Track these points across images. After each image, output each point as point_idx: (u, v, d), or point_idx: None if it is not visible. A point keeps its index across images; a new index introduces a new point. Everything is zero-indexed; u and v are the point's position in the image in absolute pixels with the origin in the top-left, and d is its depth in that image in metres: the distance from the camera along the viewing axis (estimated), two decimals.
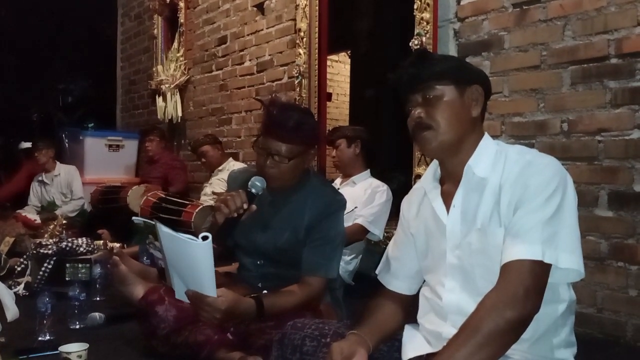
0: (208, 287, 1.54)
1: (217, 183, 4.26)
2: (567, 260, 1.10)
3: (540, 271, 1.09)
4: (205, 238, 1.43)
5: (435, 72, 1.24)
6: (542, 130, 2.53)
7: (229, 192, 1.78)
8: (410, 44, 2.97)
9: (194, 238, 1.46)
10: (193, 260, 1.51)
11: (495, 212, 1.17)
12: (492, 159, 1.22)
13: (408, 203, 1.42)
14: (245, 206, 1.66)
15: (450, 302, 1.22)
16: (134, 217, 1.63)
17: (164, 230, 1.55)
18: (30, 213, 4.72)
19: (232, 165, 4.32)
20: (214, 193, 4.21)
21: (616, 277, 2.28)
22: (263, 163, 1.80)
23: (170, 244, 1.56)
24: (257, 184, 1.73)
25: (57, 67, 9.71)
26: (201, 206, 3.97)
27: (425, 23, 2.90)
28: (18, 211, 4.77)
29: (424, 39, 2.89)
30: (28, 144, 5.51)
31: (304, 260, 1.83)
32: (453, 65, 1.27)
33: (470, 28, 2.85)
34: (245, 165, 4.13)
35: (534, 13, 2.57)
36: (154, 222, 1.57)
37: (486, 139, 1.26)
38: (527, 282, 1.07)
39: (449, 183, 1.29)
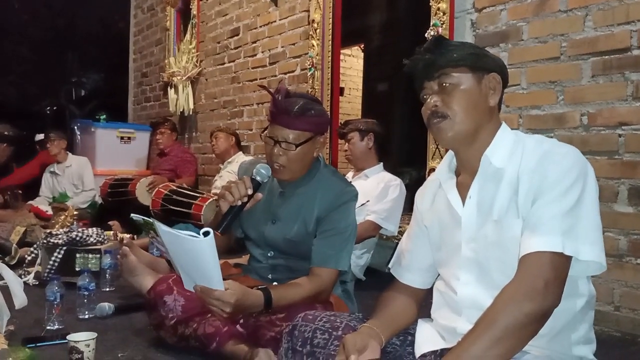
0: (215, 281, 1.51)
1: (228, 175, 4.26)
2: (588, 253, 1.06)
3: (560, 263, 1.05)
4: (206, 233, 1.39)
5: (452, 59, 1.20)
6: (561, 124, 2.48)
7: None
8: (426, 35, 2.92)
9: (195, 234, 1.42)
10: (197, 257, 1.47)
11: (512, 203, 1.13)
12: (509, 149, 1.18)
13: (422, 195, 1.39)
14: (249, 192, 1.63)
15: (466, 295, 1.18)
16: (132, 215, 1.59)
17: (163, 229, 1.50)
18: (41, 204, 4.74)
19: (242, 158, 4.31)
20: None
21: (635, 274, 2.23)
22: (271, 151, 1.78)
23: (171, 242, 1.52)
24: (262, 171, 1.70)
25: (70, 59, 9.78)
26: (211, 199, 3.97)
27: (441, 13, 2.86)
28: (29, 202, 4.79)
29: (440, 29, 2.85)
30: (42, 136, 5.55)
31: (313, 252, 1.80)
32: (470, 52, 1.22)
33: (487, 18, 2.80)
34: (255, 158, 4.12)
35: (554, 3, 2.52)
36: (152, 221, 1.52)
37: (503, 129, 1.23)
38: (547, 275, 1.03)
39: (465, 174, 1.25)
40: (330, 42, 3.86)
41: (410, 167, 3.75)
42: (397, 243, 1.45)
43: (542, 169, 1.11)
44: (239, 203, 1.62)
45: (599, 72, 2.36)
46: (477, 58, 1.22)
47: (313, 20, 3.94)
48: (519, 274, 1.06)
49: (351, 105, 6.00)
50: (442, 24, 2.86)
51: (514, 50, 2.67)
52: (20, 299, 1.83)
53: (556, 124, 2.50)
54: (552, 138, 1.22)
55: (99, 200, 5.06)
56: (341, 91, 4.81)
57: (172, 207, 4.05)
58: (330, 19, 3.85)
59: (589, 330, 1.18)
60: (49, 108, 9.62)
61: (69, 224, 3.54)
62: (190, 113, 5.62)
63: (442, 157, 2.72)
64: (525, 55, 2.63)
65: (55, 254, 2.88)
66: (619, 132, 2.28)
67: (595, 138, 2.35)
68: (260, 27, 4.65)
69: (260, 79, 4.67)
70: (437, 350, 1.19)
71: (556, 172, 1.10)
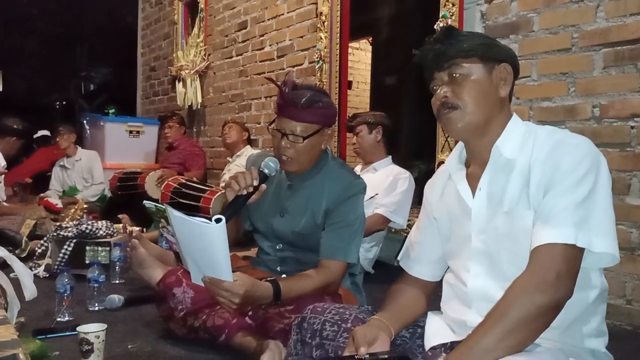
0: (224, 271, 1.50)
1: (236, 169, 4.26)
2: (601, 244, 1.05)
3: (572, 255, 1.04)
4: (218, 220, 1.38)
5: (463, 49, 1.18)
6: (572, 115, 2.45)
7: None
8: (435, 26, 2.90)
9: (207, 221, 1.40)
10: (207, 244, 1.46)
11: (523, 194, 1.12)
12: (520, 140, 1.17)
13: (431, 186, 1.38)
14: (255, 182, 1.62)
15: (476, 287, 1.17)
16: (145, 202, 1.57)
17: (175, 214, 1.49)
18: (52, 197, 4.77)
19: (250, 152, 4.31)
20: None
21: None
22: (278, 144, 1.77)
23: (183, 229, 1.51)
24: (270, 164, 1.70)
25: (79, 54, 9.81)
26: (220, 192, 3.97)
27: (450, 5, 2.83)
28: (40, 195, 4.82)
29: (449, 21, 2.82)
30: (41, 132, 5.61)
31: (322, 244, 1.79)
32: (481, 42, 1.20)
33: (497, 10, 2.77)
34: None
35: None
36: (164, 207, 1.50)
37: (515, 120, 1.21)
38: (559, 266, 1.02)
39: (475, 165, 1.24)
40: (338, 35, 3.84)
41: (419, 160, 3.73)
42: (406, 236, 1.44)
43: (554, 159, 1.09)
44: (245, 192, 1.61)
45: (610, 64, 2.33)
46: (487, 48, 1.20)
47: (321, 13, 3.92)
48: (531, 265, 1.05)
49: (359, 98, 5.97)
50: (452, 15, 2.83)
51: (525, 42, 2.65)
52: (30, 291, 1.83)
53: (567, 116, 2.47)
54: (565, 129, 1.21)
55: (108, 193, 5.08)
56: (349, 84, 4.79)
57: (181, 200, 4.05)
58: (339, 12, 3.82)
59: (601, 323, 1.16)
60: (58, 102, 9.68)
61: (78, 217, 3.55)
62: (199, 107, 5.62)
63: (451, 150, 2.70)
64: (535, 46, 2.60)
65: (65, 247, 2.89)
66: (631, 124, 2.25)
67: (607, 130, 2.32)
68: (268, 20, 4.64)
69: (268, 72, 4.66)
70: (447, 343, 1.19)
71: (568, 162, 1.08)
